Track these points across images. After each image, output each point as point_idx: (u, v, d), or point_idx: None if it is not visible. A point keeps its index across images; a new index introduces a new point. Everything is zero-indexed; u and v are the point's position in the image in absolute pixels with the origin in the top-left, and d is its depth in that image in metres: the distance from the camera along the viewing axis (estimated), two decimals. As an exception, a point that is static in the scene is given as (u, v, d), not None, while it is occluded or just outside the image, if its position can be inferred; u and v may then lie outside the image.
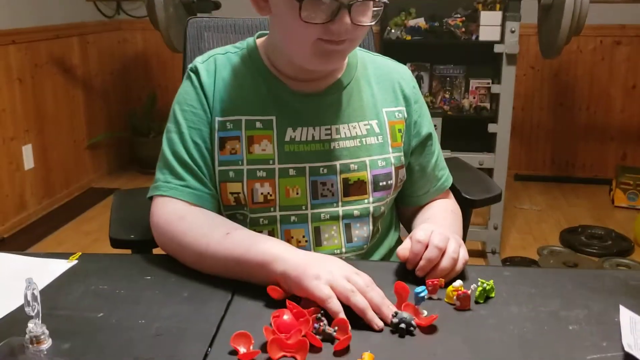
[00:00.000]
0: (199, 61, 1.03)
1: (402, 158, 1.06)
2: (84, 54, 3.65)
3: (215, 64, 1.03)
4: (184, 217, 0.94)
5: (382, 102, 1.06)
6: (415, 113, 1.08)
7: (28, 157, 3.15)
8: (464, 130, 3.57)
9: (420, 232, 0.88)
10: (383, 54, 3.41)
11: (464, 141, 3.36)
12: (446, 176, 1.15)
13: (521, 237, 3.00)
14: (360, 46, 1.46)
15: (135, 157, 4.03)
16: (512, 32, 2.60)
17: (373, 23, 0.92)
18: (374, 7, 0.92)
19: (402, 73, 1.11)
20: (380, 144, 1.03)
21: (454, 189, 1.24)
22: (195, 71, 1.02)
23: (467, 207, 1.23)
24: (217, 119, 0.99)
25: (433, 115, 2.78)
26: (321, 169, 1.00)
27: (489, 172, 2.96)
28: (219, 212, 1.00)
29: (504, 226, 3.02)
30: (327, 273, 0.78)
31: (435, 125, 2.96)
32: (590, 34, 3.53)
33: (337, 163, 1.00)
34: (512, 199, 3.47)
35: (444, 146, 2.87)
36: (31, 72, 3.16)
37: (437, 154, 1.13)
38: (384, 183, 1.03)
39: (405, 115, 1.07)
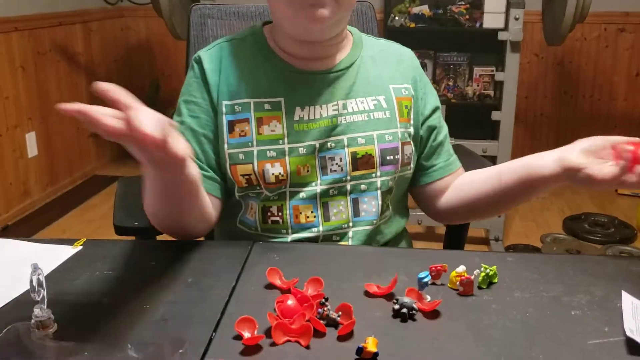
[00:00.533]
0: (203, 50, 1.05)
1: (408, 135, 1.07)
2: (87, 41, 3.65)
3: (221, 51, 1.04)
4: None
5: (389, 79, 1.07)
6: (421, 90, 1.10)
7: (32, 144, 3.16)
8: (468, 118, 3.56)
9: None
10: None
11: (467, 129, 3.35)
12: (455, 157, 1.16)
13: (524, 224, 3.00)
14: (361, 24, 1.48)
15: (138, 145, 4.03)
16: (516, 19, 2.58)
17: None
18: None
19: (405, 54, 1.13)
20: (387, 119, 1.04)
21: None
22: (198, 61, 1.04)
23: (470, 194, 1.23)
24: (225, 102, 1.01)
25: (436, 102, 2.78)
26: (329, 143, 1.01)
27: (493, 159, 2.95)
28: (217, 194, 1.02)
29: (507, 213, 3.02)
30: None
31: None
32: (595, 21, 3.51)
33: (345, 137, 1.01)
34: (515, 186, 3.47)
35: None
36: (34, 60, 3.16)
37: (445, 132, 1.14)
38: (391, 157, 1.03)
39: (413, 92, 1.08)
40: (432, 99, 1.12)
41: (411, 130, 1.08)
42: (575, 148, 0.93)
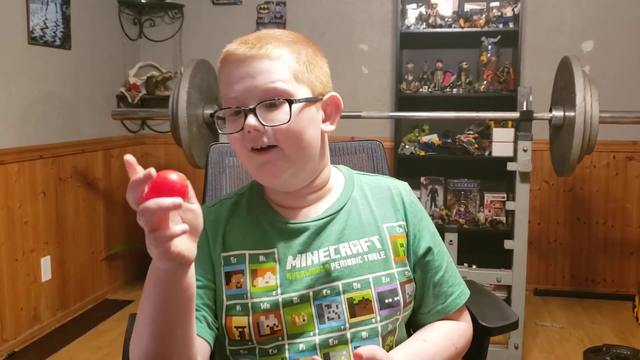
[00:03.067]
0: (207, 205, 1.09)
1: (407, 272, 1.05)
2: (107, 167, 3.77)
3: (221, 206, 1.08)
4: None
5: (382, 217, 1.06)
6: (414, 227, 1.08)
7: (46, 268, 3.17)
8: (481, 245, 3.56)
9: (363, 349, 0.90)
10: (397, 169, 3.48)
11: (480, 255, 3.33)
12: (458, 293, 1.10)
13: (543, 357, 2.90)
14: (371, 161, 1.51)
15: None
16: (525, 151, 2.64)
17: (286, 121, 0.94)
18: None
19: (400, 188, 1.12)
20: (383, 260, 1.03)
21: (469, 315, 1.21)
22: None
23: (483, 335, 1.20)
24: (222, 254, 1.02)
25: (449, 229, 2.80)
26: (324, 290, 0.99)
27: (507, 289, 2.91)
28: (209, 339, 0.99)
29: (525, 345, 2.93)
30: None
31: (451, 241, 2.92)
32: (603, 150, 3.59)
33: (340, 283, 1.00)
34: (533, 315, 3.39)
35: (460, 260, 2.86)
36: (55, 186, 3.26)
37: (445, 269, 1.09)
38: (390, 300, 1.01)
39: (406, 230, 1.07)
40: (426, 237, 1.08)
41: (409, 268, 1.06)
42: None
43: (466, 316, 1.13)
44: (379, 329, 1.00)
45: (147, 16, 4.12)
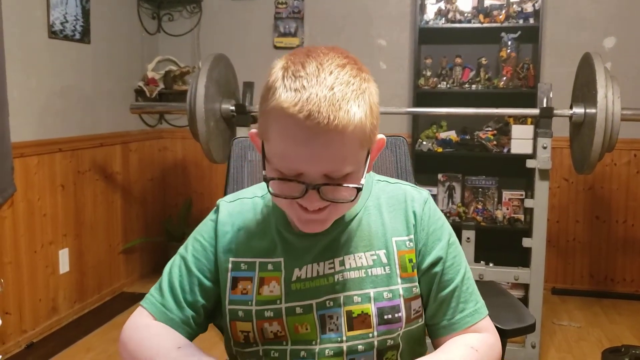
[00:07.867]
0: (226, 200, 1.07)
1: (415, 289, 1.01)
2: (125, 161, 3.79)
3: (240, 207, 1.06)
4: (140, 328, 0.99)
5: (392, 231, 1.02)
6: (421, 240, 1.02)
7: (64, 261, 3.21)
8: (498, 242, 3.54)
9: None
10: (415, 165, 3.39)
11: (498, 253, 3.31)
12: (470, 311, 1.02)
13: (560, 356, 2.87)
14: (394, 157, 1.49)
15: (167, 262, 4.06)
16: (544, 148, 2.61)
17: (351, 200, 0.89)
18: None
19: (416, 199, 1.04)
20: (387, 275, 0.99)
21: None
22: (217, 210, 1.06)
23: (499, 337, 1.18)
24: (232, 259, 1.01)
25: (466, 227, 2.78)
26: (327, 302, 0.98)
27: (525, 287, 2.89)
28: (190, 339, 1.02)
29: (542, 344, 2.90)
30: None
31: (468, 238, 2.89)
32: (624, 148, 3.54)
33: (341, 295, 0.98)
34: (550, 314, 3.36)
35: (477, 258, 2.83)
36: (74, 179, 3.28)
37: (457, 284, 1.02)
38: (390, 316, 0.98)
39: (415, 244, 1.02)
40: (435, 249, 1.01)
41: (417, 284, 1.01)
42: None
43: (488, 329, 1.05)
44: (375, 343, 0.98)
45: (166, 10, 4.13)
